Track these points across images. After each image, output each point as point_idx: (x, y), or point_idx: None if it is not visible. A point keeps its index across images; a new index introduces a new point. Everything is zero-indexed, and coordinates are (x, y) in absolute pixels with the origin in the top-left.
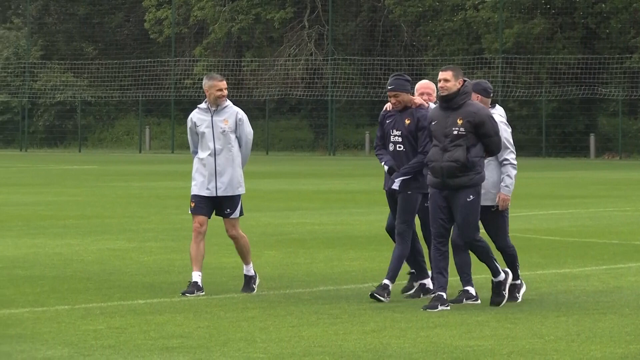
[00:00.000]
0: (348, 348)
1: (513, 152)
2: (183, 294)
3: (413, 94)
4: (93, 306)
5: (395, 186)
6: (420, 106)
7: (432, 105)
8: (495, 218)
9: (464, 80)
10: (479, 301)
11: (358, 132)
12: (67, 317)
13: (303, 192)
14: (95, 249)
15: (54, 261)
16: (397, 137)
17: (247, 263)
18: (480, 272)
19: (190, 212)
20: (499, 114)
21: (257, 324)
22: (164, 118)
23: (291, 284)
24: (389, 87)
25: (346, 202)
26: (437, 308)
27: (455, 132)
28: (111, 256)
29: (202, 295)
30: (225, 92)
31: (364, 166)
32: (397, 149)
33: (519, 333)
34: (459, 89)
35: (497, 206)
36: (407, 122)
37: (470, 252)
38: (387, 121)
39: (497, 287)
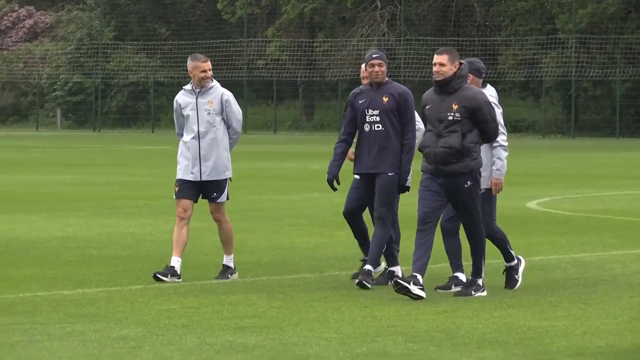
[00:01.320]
0: (420, 328)
1: (504, 134)
2: (154, 274)
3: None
4: (166, 286)
5: (409, 184)
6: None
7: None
8: (483, 203)
9: (460, 63)
10: (484, 292)
11: None
12: (140, 297)
13: None
14: (168, 228)
15: (127, 241)
16: (374, 117)
17: (227, 253)
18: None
19: (174, 197)
20: (489, 94)
21: (329, 304)
22: (237, 99)
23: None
24: (373, 56)
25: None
26: (410, 285)
27: (451, 118)
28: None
29: (177, 282)
30: (210, 73)
31: None
32: (375, 128)
33: (592, 314)
34: (455, 73)
35: (488, 189)
36: (385, 99)
37: (457, 238)
38: (360, 101)
39: (470, 284)
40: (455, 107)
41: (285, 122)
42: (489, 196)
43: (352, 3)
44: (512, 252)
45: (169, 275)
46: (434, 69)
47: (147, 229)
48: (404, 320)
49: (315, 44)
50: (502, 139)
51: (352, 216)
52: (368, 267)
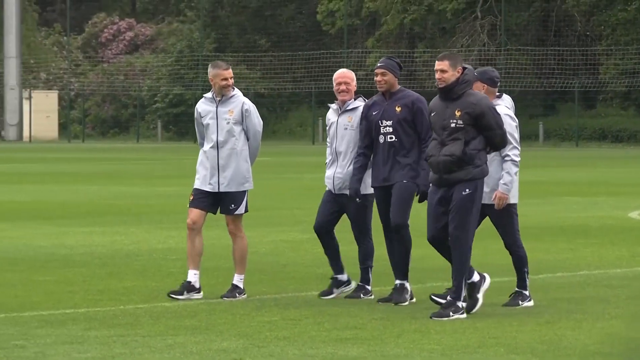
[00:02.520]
0: (523, 340)
1: (517, 148)
2: (169, 295)
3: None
4: (267, 297)
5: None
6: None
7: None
8: (501, 215)
9: (464, 68)
10: (464, 314)
11: (531, 123)
12: (241, 309)
13: None
14: (269, 240)
15: (229, 253)
16: (387, 128)
17: (239, 272)
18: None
19: (188, 205)
20: (505, 105)
21: None
22: None
23: None
24: (377, 65)
25: (519, 192)
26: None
27: (453, 125)
28: (285, 248)
29: (197, 298)
30: (231, 81)
31: (537, 157)
32: (388, 140)
33: None
34: (458, 79)
35: (511, 205)
36: (397, 109)
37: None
38: (374, 112)
39: (449, 304)
40: (458, 114)
41: None
42: (512, 211)
43: (452, 13)
44: (526, 278)
45: (184, 292)
46: (436, 75)
47: (248, 241)
48: (506, 332)
49: (415, 55)
50: (514, 153)
51: (324, 231)
52: (401, 282)
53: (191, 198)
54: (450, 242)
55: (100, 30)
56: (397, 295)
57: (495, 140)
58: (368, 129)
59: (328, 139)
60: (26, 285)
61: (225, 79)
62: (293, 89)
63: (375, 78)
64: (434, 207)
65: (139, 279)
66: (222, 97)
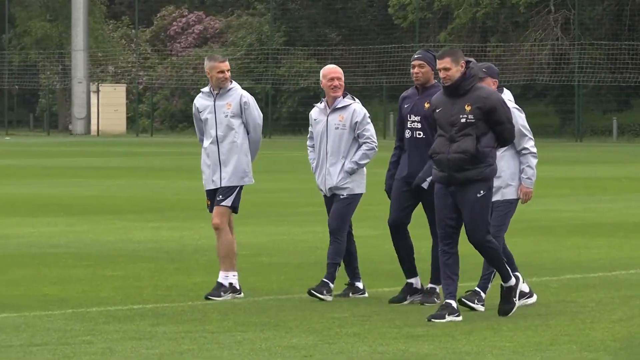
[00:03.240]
0: (595, 337)
1: (532, 139)
2: (206, 297)
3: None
4: (337, 294)
5: (425, 185)
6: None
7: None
8: (498, 213)
9: (467, 62)
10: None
11: (605, 118)
12: (311, 305)
13: (549, 179)
14: None
15: (298, 248)
16: (415, 123)
17: (223, 269)
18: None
19: (208, 210)
20: (508, 98)
21: None
22: None
23: (537, 272)
24: (415, 57)
25: (593, 189)
26: (445, 318)
27: (464, 120)
28: (357, 244)
29: (239, 297)
30: (228, 73)
31: (611, 152)
32: (416, 136)
33: None
34: (463, 74)
35: (510, 200)
36: (426, 105)
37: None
38: (405, 105)
39: (507, 293)
40: (468, 108)
41: None
42: (510, 208)
43: (525, 7)
44: (509, 272)
45: (222, 294)
46: (440, 75)
47: (318, 236)
48: (579, 329)
49: (487, 49)
50: (531, 145)
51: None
52: (411, 280)
53: (208, 203)
54: (479, 248)
55: (169, 23)
56: (426, 296)
57: (505, 135)
58: (400, 122)
59: (311, 142)
60: (94, 281)
61: (222, 72)
62: (364, 83)
63: (411, 70)
64: (443, 208)
65: (207, 274)
66: (219, 90)
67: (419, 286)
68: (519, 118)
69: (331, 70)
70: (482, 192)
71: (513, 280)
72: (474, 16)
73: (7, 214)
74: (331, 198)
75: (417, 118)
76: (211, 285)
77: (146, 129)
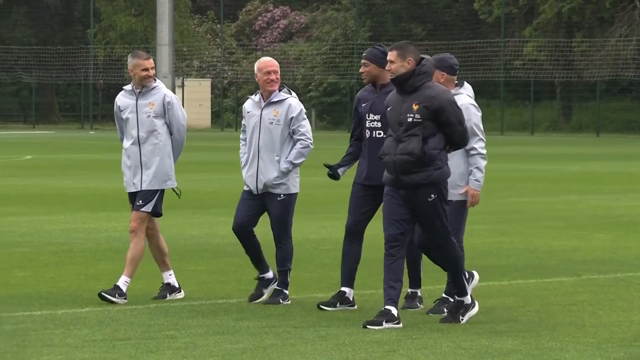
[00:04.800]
0: None
1: (482, 140)
2: (100, 294)
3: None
4: (422, 289)
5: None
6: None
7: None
8: (452, 214)
9: (422, 59)
10: (475, 308)
11: None
12: None
13: (634, 174)
14: None
15: (382, 243)
16: (375, 122)
17: (126, 273)
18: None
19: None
20: (467, 94)
21: (586, 308)
22: (493, 99)
23: (622, 268)
24: (363, 55)
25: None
26: (382, 325)
27: (410, 120)
28: None
29: (179, 297)
30: (152, 72)
31: None
32: (376, 135)
33: None
34: (412, 70)
35: (463, 201)
36: None
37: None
38: (363, 104)
39: (456, 308)
40: (415, 107)
41: (542, 123)
42: (462, 208)
43: (611, 3)
44: (466, 287)
45: (167, 295)
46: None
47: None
48: None
49: (573, 44)
50: (480, 146)
51: (244, 231)
52: (345, 289)
53: (131, 207)
54: (432, 254)
55: (254, 18)
56: (409, 301)
57: (455, 138)
58: (358, 120)
59: (243, 135)
60: (178, 275)
61: (146, 70)
62: None
63: (361, 69)
64: (390, 210)
65: (292, 269)
66: (142, 88)
67: (351, 297)
68: (474, 116)
69: (267, 64)
70: (432, 196)
71: (468, 299)
72: (560, 11)
73: (93, 208)
74: (258, 196)
75: (377, 117)
76: (296, 280)
77: (231, 123)
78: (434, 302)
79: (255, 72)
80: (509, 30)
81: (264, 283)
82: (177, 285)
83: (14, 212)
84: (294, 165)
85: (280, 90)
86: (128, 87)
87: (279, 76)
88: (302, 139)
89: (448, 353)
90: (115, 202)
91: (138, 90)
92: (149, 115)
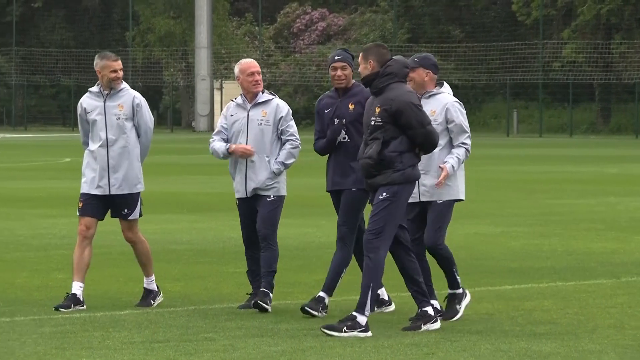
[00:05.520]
0: None
1: (470, 138)
2: (56, 308)
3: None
4: (459, 293)
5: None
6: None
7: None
8: (441, 213)
9: (386, 61)
10: (437, 323)
11: None
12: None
13: None
14: (462, 233)
15: None
16: (342, 127)
17: (147, 274)
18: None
19: (78, 213)
20: (448, 92)
21: (626, 311)
22: (532, 101)
23: None
24: (336, 58)
25: None
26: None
27: (373, 123)
28: (478, 241)
29: (82, 310)
30: (121, 73)
31: None
32: (341, 140)
33: None
34: (375, 72)
35: (450, 201)
36: (350, 107)
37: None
38: (326, 110)
39: (350, 319)
40: (377, 110)
41: (581, 125)
42: (447, 209)
43: None
44: (458, 278)
45: (72, 305)
46: None
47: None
48: None
49: (611, 46)
50: (469, 142)
51: (253, 244)
52: (321, 294)
53: (80, 205)
54: (364, 247)
55: (293, 21)
56: (313, 303)
57: (418, 140)
58: (321, 123)
59: (217, 136)
60: (216, 277)
61: (115, 71)
62: (487, 81)
63: (331, 73)
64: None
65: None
66: (110, 90)
67: (326, 303)
68: (460, 114)
69: (250, 64)
70: (384, 194)
71: (430, 310)
72: (598, 13)
73: None
74: (249, 200)
75: (343, 121)
76: (340, 283)
77: None
78: (444, 300)
79: (237, 74)
80: (547, 32)
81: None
82: (82, 300)
83: (53, 215)
84: (285, 166)
85: (263, 92)
86: (94, 88)
87: (261, 77)
88: (291, 139)
89: (487, 355)
90: (153, 204)
91: (106, 92)
92: (119, 117)
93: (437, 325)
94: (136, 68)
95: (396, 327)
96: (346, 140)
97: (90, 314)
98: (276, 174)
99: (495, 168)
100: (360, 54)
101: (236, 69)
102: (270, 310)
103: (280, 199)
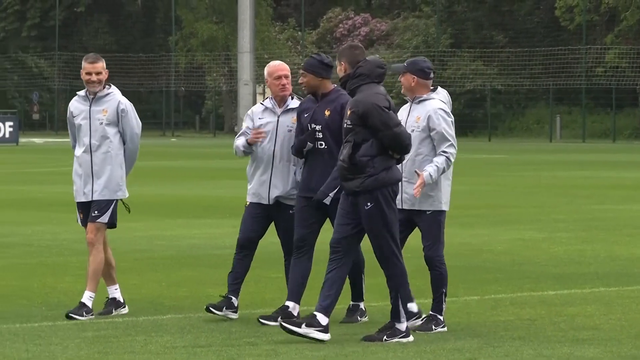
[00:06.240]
0: None
1: (454, 146)
2: (67, 315)
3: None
4: (502, 297)
5: (327, 201)
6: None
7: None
8: (430, 224)
9: (357, 62)
10: (408, 337)
11: None
12: (476, 308)
13: None
14: (505, 239)
15: (463, 251)
16: (317, 133)
17: (89, 288)
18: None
19: (79, 223)
20: (439, 99)
21: None
22: (575, 107)
23: None
24: (302, 65)
25: None
26: (432, 330)
27: (345, 126)
28: (521, 246)
29: (124, 312)
30: (96, 77)
31: None
32: (318, 146)
33: None
34: (347, 74)
35: (440, 211)
36: (326, 113)
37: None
38: (305, 115)
39: (388, 327)
40: (349, 113)
41: (624, 131)
42: (438, 218)
43: None
44: (444, 303)
45: (113, 309)
46: None
47: (482, 239)
48: None
49: None
50: (451, 151)
51: (252, 245)
52: (289, 303)
53: (81, 216)
54: (385, 264)
55: (335, 25)
56: (285, 315)
57: (386, 142)
58: (300, 127)
59: (244, 138)
60: (258, 282)
61: (89, 74)
62: (530, 86)
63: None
64: (340, 215)
65: (374, 276)
66: (95, 94)
67: (296, 312)
68: (443, 121)
69: (278, 68)
70: (368, 204)
71: (403, 327)
72: None
73: (173, 215)
74: (269, 207)
75: (318, 127)
76: (377, 289)
77: None
78: (422, 320)
79: (265, 77)
80: (590, 37)
81: (229, 304)
82: (122, 300)
83: None
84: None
85: (292, 98)
86: (82, 92)
87: (290, 81)
88: None
89: None
90: (195, 209)
91: (92, 97)
92: (102, 123)
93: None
94: (179, 73)
95: (438, 332)
96: (323, 146)
97: (132, 319)
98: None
99: (538, 174)
100: (338, 55)
101: (265, 71)
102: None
103: None
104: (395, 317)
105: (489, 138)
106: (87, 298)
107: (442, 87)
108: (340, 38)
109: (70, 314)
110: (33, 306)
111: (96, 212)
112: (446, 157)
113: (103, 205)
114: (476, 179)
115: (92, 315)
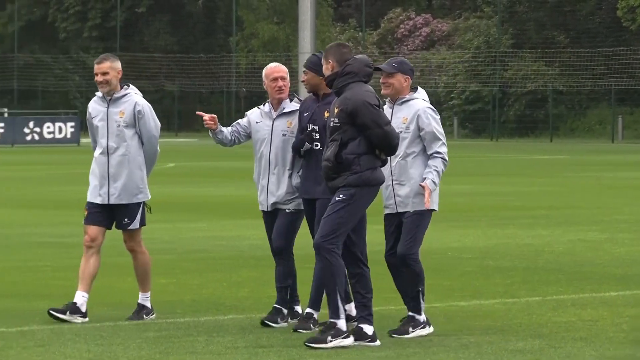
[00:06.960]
0: None
1: (445, 145)
2: (49, 311)
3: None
4: (564, 298)
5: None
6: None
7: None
8: (414, 222)
9: (345, 61)
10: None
11: None
12: (537, 309)
13: None
14: (566, 239)
15: (524, 252)
16: (314, 134)
17: (142, 290)
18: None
19: (83, 222)
20: (422, 98)
21: None
22: (637, 107)
23: None
24: (304, 64)
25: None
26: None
27: (331, 124)
28: (582, 247)
29: (83, 320)
30: (103, 77)
31: None
32: (314, 147)
33: None
34: (335, 72)
35: (426, 211)
36: (326, 114)
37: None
38: (305, 114)
39: (329, 327)
40: (336, 111)
41: None
42: (421, 221)
43: None
44: (422, 302)
45: (67, 313)
46: None
47: (544, 240)
48: None
49: None
50: (443, 150)
51: (283, 253)
52: (309, 310)
53: (85, 213)
54: (319, 253)
55: (396, 26)
56: (302, 322)
57: (375, 141)
58: (301, 125)
59: (232, 130)
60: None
61: (96, 74)
62: (592, 86)
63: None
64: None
65: (433, 277)
66: (112, 96)
67: (316, 318)
68: (432, 120)
69: (274, 69)
70: (341, 195)
71: (343, 325)
72: None
73: (234, 215)
74: (271, 214)
75: (316, 128)
76: (439, 288)
77: None
78: (400, 322)
79: (263, 79)
80: None
81: (294, 314)
82: (83, 310)
83: (156, 220)
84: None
85: (291, 100)
86: (99, 93)
87: (287, 83)
88: None
89: None
90: (256, 209)
91: (109, 98)
92: (119, 125)
93: (349, 341)
94: (240, 73)
95: (500, 333)
96: (318, 147)
97: (194, 319)
98: (297, 188)
99: (600, 174)
100: (324, 53)
101: (263, 73)
102: (283, 326)
103: (299, 213)
104: (334, 314)
105: (551, 139)
106: (143, 299)
107: (502, 87)
108: (402, 39)
109: (129, 319)
110: (95, 306)
111: (126, 219)
112: (441, 158)
113: (130, 212)
114: (537, 179)
115: (153, 315)
